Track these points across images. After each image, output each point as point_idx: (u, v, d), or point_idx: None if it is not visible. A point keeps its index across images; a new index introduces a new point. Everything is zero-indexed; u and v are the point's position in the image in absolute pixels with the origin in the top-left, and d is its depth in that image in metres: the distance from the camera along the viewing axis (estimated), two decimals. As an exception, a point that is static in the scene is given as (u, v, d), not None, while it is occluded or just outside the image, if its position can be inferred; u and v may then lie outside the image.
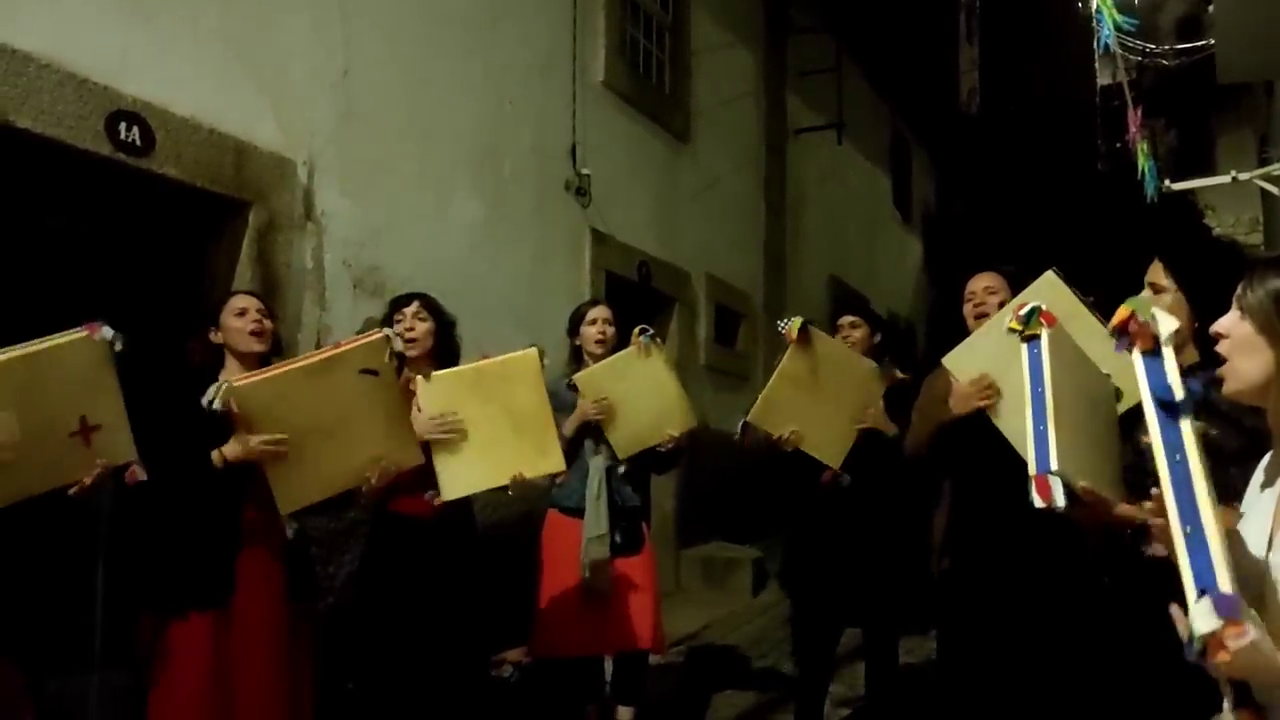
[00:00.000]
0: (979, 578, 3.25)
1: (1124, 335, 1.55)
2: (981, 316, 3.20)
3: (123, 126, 3.49)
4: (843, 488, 3.66)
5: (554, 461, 3.24)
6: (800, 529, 3.97)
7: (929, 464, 3.43)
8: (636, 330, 3.64)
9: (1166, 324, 1.51)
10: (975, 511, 3.29)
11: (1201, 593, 1.17)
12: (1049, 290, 2.81)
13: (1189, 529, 1.24)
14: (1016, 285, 3.06)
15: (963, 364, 3.01)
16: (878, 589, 3.71)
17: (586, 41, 6.41)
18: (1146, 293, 2.37)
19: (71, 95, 3.34)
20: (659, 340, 3.70)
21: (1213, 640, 1.14)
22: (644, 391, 3.62)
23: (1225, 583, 1.17)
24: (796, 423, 3.57)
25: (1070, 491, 1.96)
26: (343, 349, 2.81)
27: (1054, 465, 1.93)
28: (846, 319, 3.89)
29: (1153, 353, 1.50)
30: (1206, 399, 2.02)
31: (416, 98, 4.96)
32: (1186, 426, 1.37)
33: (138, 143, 3.54)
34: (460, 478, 3.14)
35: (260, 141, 4.07)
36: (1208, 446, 1.36)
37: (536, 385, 3.18)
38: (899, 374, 3.75)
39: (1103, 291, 2.90)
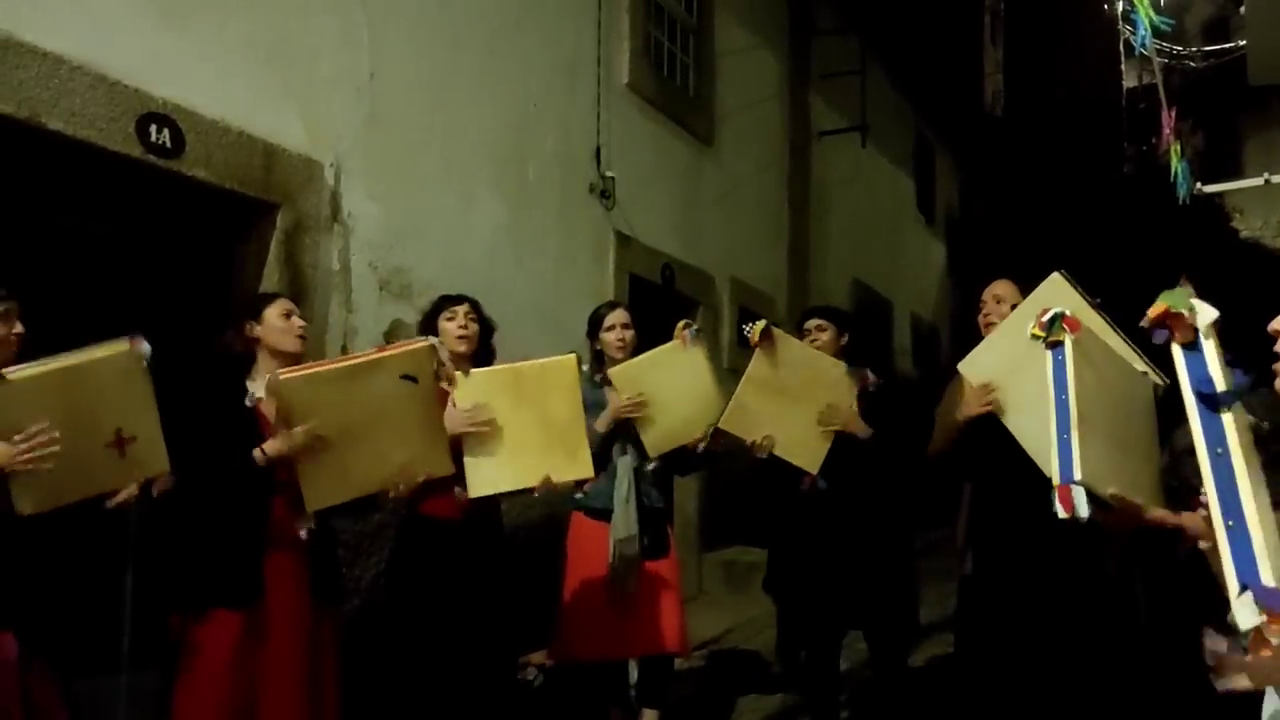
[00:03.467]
0: (1000, 580, 3.24)
1: (1162, 328, 1.53)
2: (990, 325, 3.22)
3: (153, 129, 3.51)
4: (821, 492, 3.59)
5: (583, 468, 3.27)
6: (784, 536, 3.94)
7: (948, 467, 3.42)
8: (681, 324, 3.62)
9: (1205, 314, 1.50)
10: (995, 514, 3.29)
11: (1244, 588, 1.15)
12: (1056, 292, 2.80)
13: (1231, 522, 1.23)
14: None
15: (976, 370, 3.00)
16: (867, 591, 3.68)
17: (611, 44, 6.41)
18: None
19: (103, 97, 3.36)
20: (702, 335, 3.67)
21: (1255, 636, 1.12)
22: (681, 387, 3.59)
23: (1268, 576, 1.15)
24: (769, 428, 3.51)
25: (1098, 498, 1.94)
26: (388, 353, 2.85)
27: (1077, 475, 1.92)
28: (812, 322, 3.85)
29: (1192, 345, 1.48)
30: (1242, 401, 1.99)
31: (442, 100, 4.97)
32: (1228, 419, 1.35)
33: (168, 145, 3.56)
34: (488, 476, 3.16)
35: (288, 144, 4.09)
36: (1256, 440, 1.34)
37: (572, 392, 3.21)
38: (871, 376, 3.67)
39: (1112, 293, 2.89)
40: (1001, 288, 3.33)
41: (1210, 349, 1.47)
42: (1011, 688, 3.16)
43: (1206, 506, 1.33)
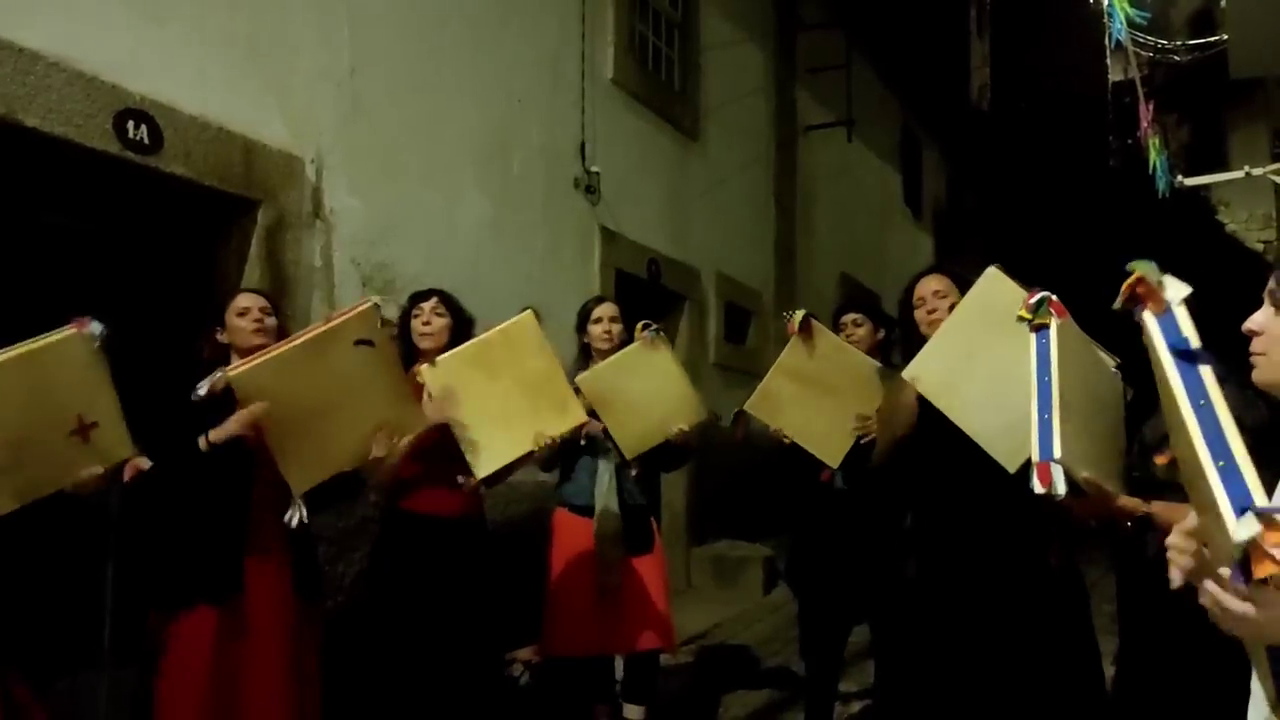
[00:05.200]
0: (943, 584, 3.21)
1: (1134, 300, 1.54)
2: (936, 322, 3.08)
3: (131, 125, 3.48)
4: (839, 491, 3.60)
5: (575, 415, 3.29)
6: (803, 526, 3.94)
7: (890, 474, 3.36)
8: (640, 325, 3.61)
9: (1176, 289, 1.51)
10: (938, 518, 3.27)
11: (1242, 511, 1.14)
12: (994, 285, 2.78)
13: (1221, 463, 1.22)
14: (964, 287, 2.97)
15: (924, 371, 2.92)
16: (881, 586, 3.67)
17: (595, 38, 6.40)
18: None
19: (80, 94, 3.34)
20: (663, 334, 3.67)
21: (1255, 548, 1.10)
22: (651, 387, 3.58)
23: (1263, 499, 1.15)
24: (795, 416, 3.53)
25: (1072, 482, 1.96)
26: (334, 323, 2.78)
27: (1057, 453, 1.94)
28: (849, 316, 3.85)
29: (1164, 313, 1.50)
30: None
31: (424, 95, 4.95)
32: (1206, 371, 1.37)
33: (146, 141, 3.53)
34: (489, 454, 3.16)
35: (268, 140, 4.06)
36: None
37: (540, 346, 3.22)
38: None
39: (1100, 286, 2.88)
40: (939, 282, 3.24)
41: (1182, 313, 1.49)
42: (958, 693, 3.14)
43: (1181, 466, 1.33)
